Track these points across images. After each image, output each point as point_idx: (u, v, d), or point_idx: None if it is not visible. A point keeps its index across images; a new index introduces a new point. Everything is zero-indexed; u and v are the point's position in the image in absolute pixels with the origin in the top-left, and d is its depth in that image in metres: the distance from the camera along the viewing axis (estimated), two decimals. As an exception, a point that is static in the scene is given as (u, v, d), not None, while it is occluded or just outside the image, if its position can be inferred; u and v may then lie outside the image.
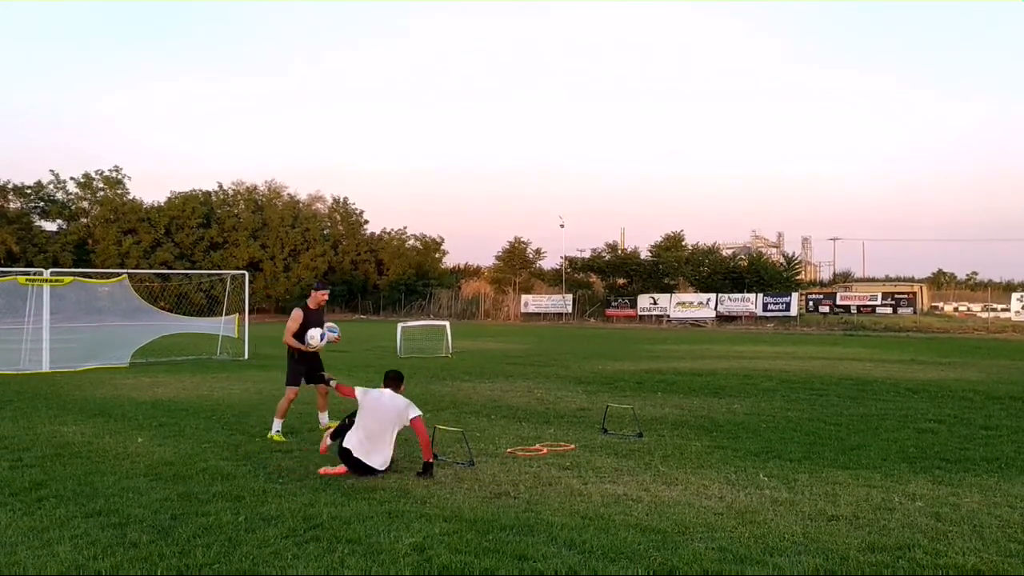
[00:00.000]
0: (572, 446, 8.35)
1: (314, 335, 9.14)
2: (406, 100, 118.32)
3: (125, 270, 24.04)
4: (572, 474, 7.13)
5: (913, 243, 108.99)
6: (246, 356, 20.16)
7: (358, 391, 7.43)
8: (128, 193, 58.38)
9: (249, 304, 24.34)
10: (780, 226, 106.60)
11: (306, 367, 9.28)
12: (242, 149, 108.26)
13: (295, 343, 9.20)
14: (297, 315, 9.35)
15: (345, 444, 7.11)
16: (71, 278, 19.47)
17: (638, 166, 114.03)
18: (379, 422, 7.15)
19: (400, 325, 23.03)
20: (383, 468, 7.09)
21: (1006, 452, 8.10)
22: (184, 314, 24.30)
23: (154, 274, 35.31)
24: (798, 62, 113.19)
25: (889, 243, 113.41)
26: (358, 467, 7.02)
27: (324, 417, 9.55)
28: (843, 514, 5.82)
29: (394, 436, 7.24)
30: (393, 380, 7.60)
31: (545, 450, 8.15)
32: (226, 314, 22.40)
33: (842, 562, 4.80)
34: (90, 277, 23.52)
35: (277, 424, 9.01)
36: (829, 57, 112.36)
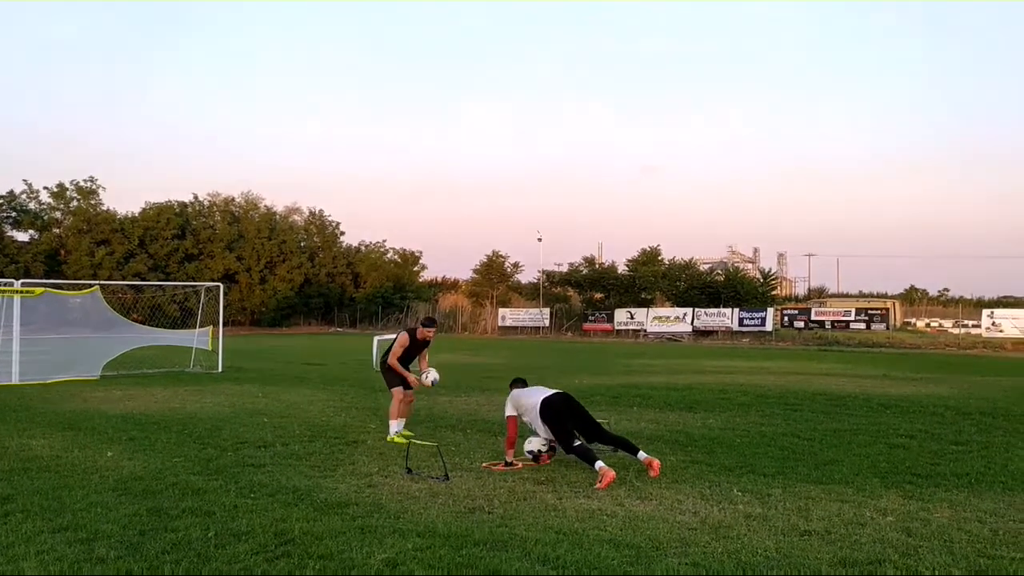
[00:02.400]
0: (547, 460, 8.32)
1: (428, 375, 9.85)
2: (386, 113, 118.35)
3: (97, 281, 23.78)
4: (547, 489, 7.12)
5: (887, 259, 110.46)
6: (220, 369, 19.98)
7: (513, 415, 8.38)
8: (102, 203, 57.88)
9: (224, 316, 24.14)
10: (756, 241, 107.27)
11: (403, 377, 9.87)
12: (219, 160, 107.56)
13: (400, 368, 9.79)
14: (404, 339, 9.87)
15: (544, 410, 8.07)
16: (42, 289, 19.21)
17: (616, 180, 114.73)
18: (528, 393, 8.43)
19: (376, 338, 22.91)
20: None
21: (976, 467, 8.18)
22: (157, 326, 24.06)
23: (127, 285, 34.95)
24: (774, 77, 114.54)
25: (863, 259, 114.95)
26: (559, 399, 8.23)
27: (398, 425, 9.86)
28: (815, 529, 5.85)
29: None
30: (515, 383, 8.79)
31: (520, 464, 8.13)
32: (200, 326, 22.18)
33: (814, 577, 4.83)
34: (62, 288, 23.25)
35: (395, 425, 9.67)
36: (804, 72, 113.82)
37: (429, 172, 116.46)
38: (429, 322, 10.18)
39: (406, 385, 9.88)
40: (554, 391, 8.26)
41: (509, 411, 8.41)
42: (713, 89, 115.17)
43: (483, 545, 5.37)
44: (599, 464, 7.37)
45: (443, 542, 5.41)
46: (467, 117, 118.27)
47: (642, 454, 7.79)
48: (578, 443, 7.77)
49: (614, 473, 7.28)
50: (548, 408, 8.04)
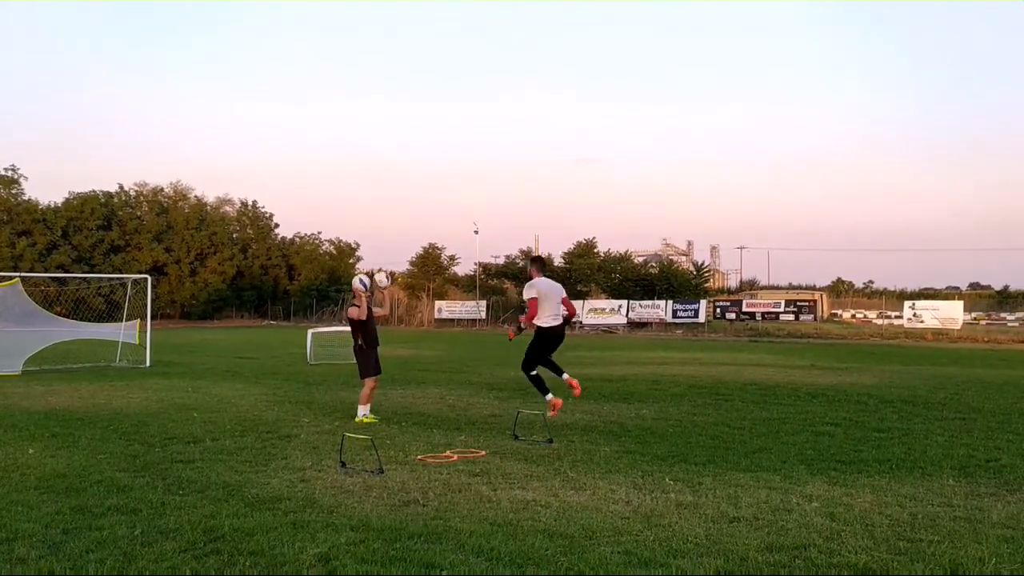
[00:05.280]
0: (483, 452, 8.35)
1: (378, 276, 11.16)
2: (321, 104, 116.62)
3: (18, 273, 22.86)
4: (482, 480, 7.13)
5: (815, 252, 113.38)
6: (148, 364, 19.47)
7: (532, 293, 9.65)
8: (24, 193, 55.95)
9: (152, 309, 23.52)
10: (690, 235, 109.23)
11: (375, 358, 10.58)
12: (148, 150, 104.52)
13: (360, 303, 10.60)
14: (354, 311, 10.65)
15: (544, 325, 9.58)
16: (-42, 281, 18.45)
17: (552, 173, 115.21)
18: (554, 295, 9.73)
19: (310, 331, 22.63)
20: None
21: (896, 453, 8.47)
22: (82, 320, 23.32)
23: (50, 278, 33.75)
24: (708, 70, 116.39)
25: (793, 252, 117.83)
26: (560, 330, 9.71)
27: (365, 409, 10.49)
28: (744, 516, 5.98)
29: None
30: (538, 262, 10.20)
31: (455, 457, 8.13)
32: (127, 320, 21.56)
33: (742, 563, 4.93)
34: (-21, 281, 22.31)
35: (363, 409, 10.32)
36: (737, 66, 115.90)
37: (365, 163, 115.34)
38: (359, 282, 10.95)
39: (374, 373, 10.54)
40: (558, 323, 9.67)
41: (531, 295, 9.67)
42: (648, 82, 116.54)
43: (417, 538, 5.35)
44: (549, 396, 9.27)
45: (377, 536, 5.38)
46: (404, 108, 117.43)
47: (566, 375, 9.41)
48: (535, 373, 9.79)
49: (560, 401, 9.25)
50: (547, 334, 9.62)
